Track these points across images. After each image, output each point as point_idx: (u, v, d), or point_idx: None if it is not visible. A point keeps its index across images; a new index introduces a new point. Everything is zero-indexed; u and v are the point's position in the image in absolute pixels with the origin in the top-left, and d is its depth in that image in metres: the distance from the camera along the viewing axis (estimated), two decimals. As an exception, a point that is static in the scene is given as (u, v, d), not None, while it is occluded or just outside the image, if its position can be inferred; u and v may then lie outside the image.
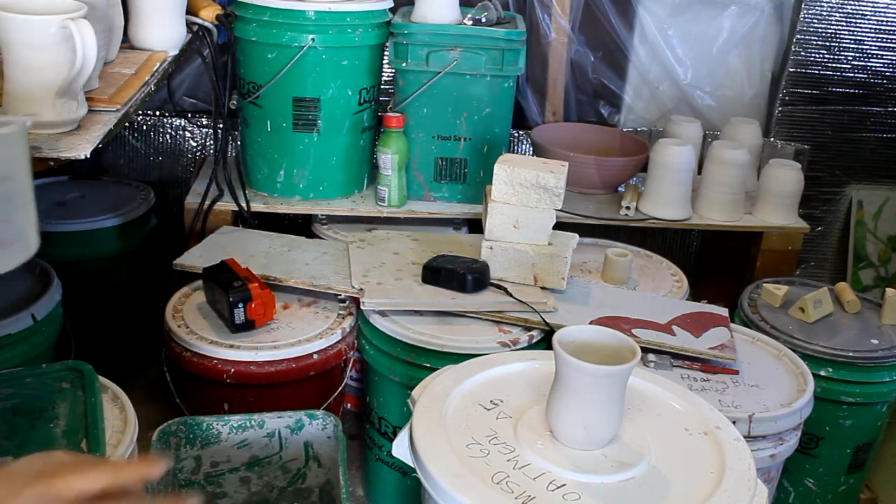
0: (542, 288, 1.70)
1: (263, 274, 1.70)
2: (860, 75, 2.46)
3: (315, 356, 1.60)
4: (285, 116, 1.99)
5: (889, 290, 1.87)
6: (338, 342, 1.64)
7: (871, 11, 2.40)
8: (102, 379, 1.37)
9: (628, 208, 2.13)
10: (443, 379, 1.19)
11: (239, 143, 2.14)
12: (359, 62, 1.99)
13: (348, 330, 1.67)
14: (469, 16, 2.06)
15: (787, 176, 2.15)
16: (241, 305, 1.56)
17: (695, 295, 1.95)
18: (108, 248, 2.03)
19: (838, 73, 2.46)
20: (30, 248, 0.88)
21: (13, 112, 1.14)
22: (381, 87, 2.15)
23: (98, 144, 1.17)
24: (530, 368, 1.25)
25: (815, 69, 2.45)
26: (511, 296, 1.65)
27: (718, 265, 2.52)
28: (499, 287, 1.68)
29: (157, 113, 2.34)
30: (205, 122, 2.34)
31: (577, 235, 1.77)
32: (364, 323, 1.68)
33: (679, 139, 2.19)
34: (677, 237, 2.56)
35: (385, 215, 2.08)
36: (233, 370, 1.55)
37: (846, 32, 2.42)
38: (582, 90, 2.45)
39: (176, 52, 1.67)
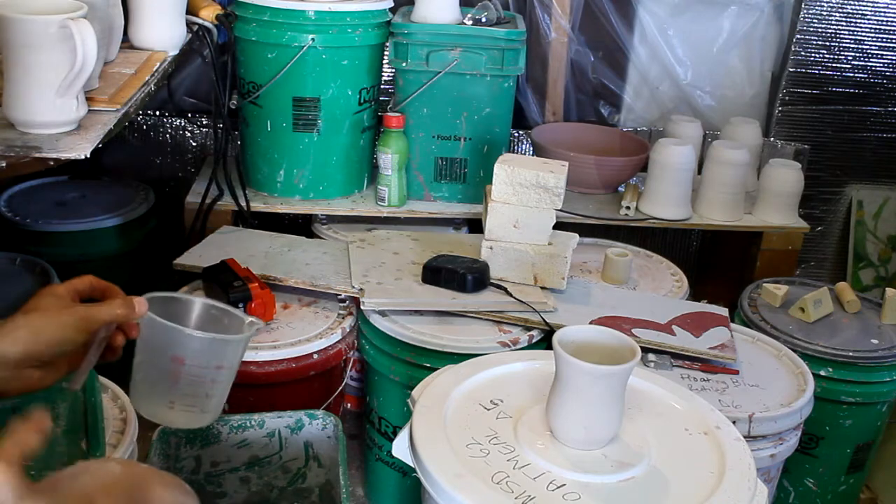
0: (542, 288, 1.70)
1: (263, 274, 1.70)
2: (860, 75, 2.46)
3: (315, 356, 1.60)
4: (285, 116, 1.99)
5: (889, 290, 1.87)
6: (338, 342, 1.64)
7: (871, 11, 2.40)
8: (102, 379, 1.37)
9: (628, 208, 2.13)
10: (443, 379, 1.19)
11: (239, 143, 2.14)
12: (359, 62, 1.99)
13: (348, 330, 1.67)
14: (469, 16, 2.06)
15: (787, 176, 2.15)
16: (240, 305, 1.56)
17: (695, 295, 1.95)
18: (108, 248, 2.03)
19: (838, 73, 2.46)
20: (214, 417, 1.01)
21: (13, 112, 1.14)
22: (381, 87, 2.15)
23: (98, 144, 1.16)
24: (530, 368, 1.25)
25: (815, 69, 2.45)
26: (511, 296, 1.65)
27: (718, 265, 2.52)
28: (499, 287, 1.68)
29: (157, 113, 2.34)
30: (205, 122, 2.34)
31: (577, 235, 1.77)
32: (364, 323, 1.68)
33: (679, 139, 2.19)
34: (677, 237, 2.56)
35: (385, 215, 2.08)
36: (233, 370, 1.54)
37: (846, 32, 2.42)
38: (582, 90, 2.45)
39: (176, 52, 1.67)
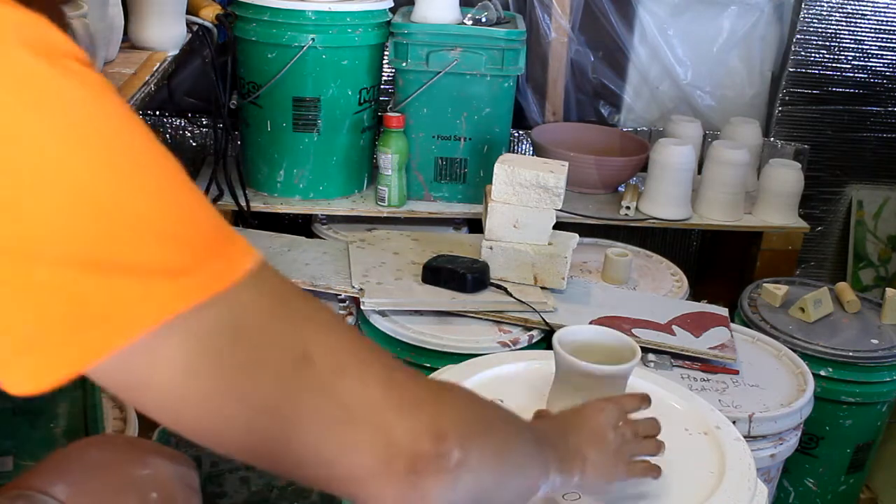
0: (542, 288, 1.70)
1: (263, 274, 1.70)
2: (860, 75, 2.46)
3: (315, 356, 1.60)
4: (285, 116, 1.99)
5: (889, 290, 1.87)
6: (338, 342, 1.64)
7: (871, 11, 2.40)
8: (102, 379, 1.37)
9: (628, 208, 2.13)
10: (443, 379, 1.19)
11: (239, 143, 2.14)
12: (359, 62, 1.99)
13: (348, 330, 1.67)
14: (469, 16, 2.06)
15: (787, 176, 2.15)
16: (241, 305, 1.55)
17: (695, 295, 1.95)
18: (108, 248, 2.03)
19: (838, 73, 2.46)
20: None
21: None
22: (381, 87, 2.15)
23: (98, 144, 1.16)
24: (530, 368, 1.25)
25: (815, 69, 2.45)
26: (511, 296, 1.65)
27: (718, 265, 2.52)
28: (499, 287, 1.68)
29: (157, 113, 2.34)
30: (205, 122, 2.34)
31: (577, 235, 1.76)
32: (364, 323, 1.68)
33: (679, 139, 2.19)
34: (677, 237, 2.56)
35: (385, 215, 2.08)
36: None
37: (846, 32, 2.42)
38: (582, 90, 2.45)
39: (176, 52, 1.67)
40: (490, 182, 1.68)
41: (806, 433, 1.67)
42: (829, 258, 2.66)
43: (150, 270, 0.48)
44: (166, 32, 1.64)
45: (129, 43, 1.62)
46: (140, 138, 0.50)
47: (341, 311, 1.72)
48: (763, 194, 2.18)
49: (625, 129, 2.47)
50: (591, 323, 1.61)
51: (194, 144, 2.37)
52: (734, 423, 1.17)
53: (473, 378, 1.20)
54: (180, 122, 2.35)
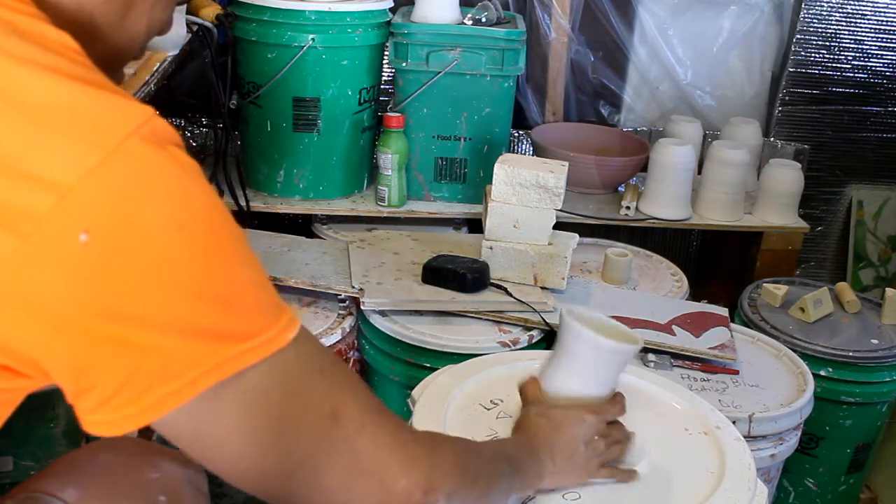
0: (542, 288, 1.70)
1: (263, 274, 1.70)
2: (860, 75, 2.46)
3: (315, 356, 1.60)
4: (285, 116, 1.99)
5: (889, 290, 1.87)
6: (338, 342, 1.64)
7: (871, 11, 2.40)
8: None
9: (628, 208, 2.13)
10: (443, 379, 1.19)
11: (239, 143, 2.14)
12: (359, 62, 1.99)
13: (348, 330, 1.67)
14: (469, 16, 2.06)
15: (787, 176, 2.15)
16: (241, 305, 1.55)
17: (695, 295, 1.95)
18: (108, 248, 2.03)
19: (838, 73, 2.46)
20: None
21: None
22: (381, 87, 2.15)
23: (98, 144, 1.16)
24: (530, 368, 1.25)
25: (815, 69, 2.45)
26: (511, 296, 1.65)
27: (718, 265, 2.52)
28: (499, 287, 1.68)
29: (157, 113, 2.33)
30: (205, 122, 2.34)
31: (577, 235, 1.76)
32: (364, 323, 1.68)
33: (679, 139, 2.19)
34: (677, 237, 2.56)
35: (385, 215, 2.08)
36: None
37: (846, 32, 2.42)
38: (582, 90, 2.45)
39: (176, 51, 1.67)
40: (490, 182, 1.68)
41: (806, 433, 1.67)
42: (829, 258, 2.66)
43: (222, 335, 0.59)
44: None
45: (129, 43, 1.61)
46: (221, 217, 0.61)
47: (341, 312, 1.72)
48: (763, 194, 2.18)
49: (625, 129, 2.47)
50: (591, 323, 1.61)
51: (194, 144, 2.37)
52: (734, 423, 1.17)
53: (473, 378, 1.20)
54: (180, 122, 2.35)
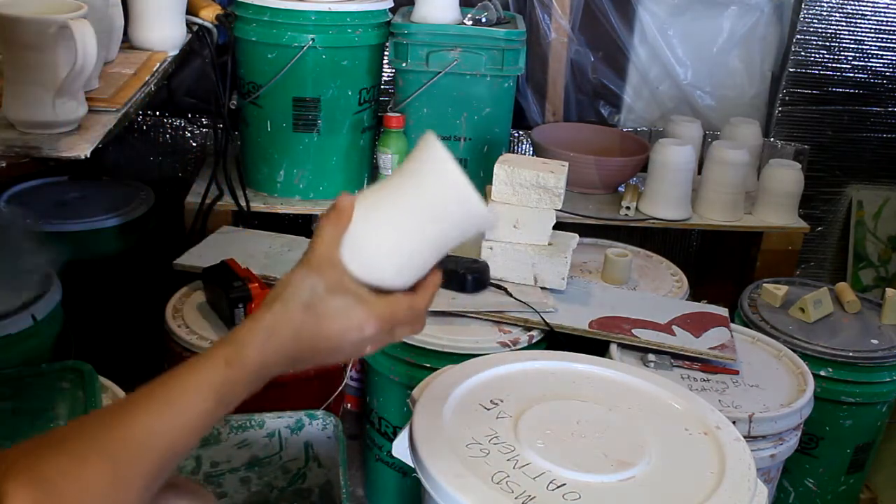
0: (542, 288, 1.70)
1: (263, 274, 1.70)
2: (860, 75, 2.46)
3: (315, 356, 1.60)
4: (285, 116, 1.99)
5: (889, 290, 1.87)
6: (338, 342, 1.64)
7: (871, 11, 2.40)
8: (102, 379, 1.37)
9: (628, 208, 2.13)
10: (443, 379, 1.19)
11: (239, 143, 2.14)
12: (359, 62, 1.99)
13: (348, 330, 1.67)
14: (469, 16, 2.06)
15: (787, 176, 2.15)
16: (241, 305, 1.56)
17: (695, 295, 1.95)
18: (108, 248, 2.03)
19: (838, 73, 2.46)
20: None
21: (13, 112, 1.14)
22: (381, 87, 2.15)
23: (98, 144, 1.16)
24: (530, 368, 1.25)
25: (815, 69, 2.45)
26: (511, 296, 1.65)
27: (718, 265, 2.52)
28: (499, 287, 1.68)
29: (157, 113, 2.34)
30: (205, 122, 2.34)
31: (577, 235, 1.76)
32: (364, 323, 1.68)
33: (679, 139, 2.19)
34: (677, 237, 2.56)
35: (385, 215, 2.08)
36: (233, 370, 1.54)
37: (846, 32, 2.42)
38: (582, 90, 2.45)
39: (176, 52, 1.67)
40: (490, 182, 1.68)
41: (806, 433, 1.67)
42: (829, 258, 2.66)
43: None
44: (166, 33, 1.64)
45: (128, 43, 1.62)
46: None
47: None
48: (763, 194, 2.18)
49: (625, 129, 2.47)
50: (590, 323, 1.62)
51: (194, 144, 2.37)
52: (734, 423, 1.17)
53: (473, 378, 1.20)
54: (180, 123, 2.35)
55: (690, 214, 2.16)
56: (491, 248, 1.70)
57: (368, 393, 1.77)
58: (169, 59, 1.61)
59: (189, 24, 1.79)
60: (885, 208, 2.59)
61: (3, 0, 1.12)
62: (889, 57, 2.45)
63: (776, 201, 2.16)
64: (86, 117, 1.21)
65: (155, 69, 1.51)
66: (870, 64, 2.45)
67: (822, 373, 1.69)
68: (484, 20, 2.05)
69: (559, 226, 1.73)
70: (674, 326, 1.65)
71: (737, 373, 1.57)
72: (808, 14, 2.39)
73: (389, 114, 2.01)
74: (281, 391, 1.58)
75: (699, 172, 2.24)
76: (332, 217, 0.82)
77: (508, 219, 1.68)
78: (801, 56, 2.43)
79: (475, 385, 1.20)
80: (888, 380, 1.73)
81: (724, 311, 1.73)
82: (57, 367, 1.36)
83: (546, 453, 1.06)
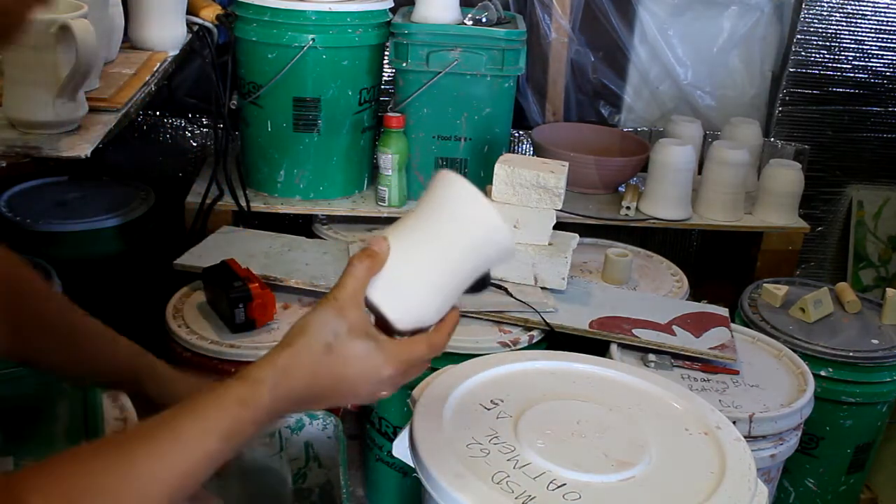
0: (543, 288, 1.70)
1: (264, 274, 1.70)
2: (860, 75, 2.46)
3: (315, 356, 1.60)
4: (285, 116, 1.99)
5: (889, 290, 1.87)
6: (338, 342, 1.64)
7: (871, 11, 2.40)
8: (102, 379, 1.37)
9: (628, 208, 2.13)
10: (443, 379, 1.19)
11: (239, 143, 2.14)
12: (359, 62, 1.99)
13: (348, 330, 1.67)
14: (469, 16, 2.06)
15: (787, 176, 2.15)
16: (241, 305, 1.56)
17: (695, 295, 1.95)
18: (108, 248, 2.03)
19: (838, 73, 2.46)
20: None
21: (13, 112, 1.14)
22: (382, 87, 2.15)
23: (98, 144, 1.17)
24: (530, 368, 1.25)
25: (815, 69, 2.45)
26: (511, 296, 1.65)
27: (718, 265, 2.52)
28: (499, 287, 1.68)
29: (157, 113, 2.34)
30: (205, 122, 2.34)
31: (577, 235, 1.77)
32: (364, 323, 1.68)
33: (679, 139, 2.19)
34: (677, 237, 2.56)
35: (385, 215, 2.08)
36: (233, 370, 1.54)
37: (846, 32, 2.42)
38: (582, 90, 2.45)
39: (176, 52, 1.67)
40: (490, 182, 1.68)
41: (806, 433, 1.67)
42: (830, 258, 2.66)
43: None
44: (166, 32, 1.64)
45: (129, 43, 1.62)
46: None
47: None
48: (763, 194, 2.18)
49: (625, 129, 2.47)
50: (590, 323, 1.62)
51: (194, 144, 2.37)
52: (734, 423, 1.17)
53: (473, 378, 1.20)
54: (180, 122, 2.35)
55: (690, 214, 2.16)
56: (491, 248, 1.70)
57: (368, 393, 1.77)
58: (169, 59, 1.62)
59: (189, 24, 1.79)
60: (886, 208, 2.59)
61: (4, 0, 1.12)
62: (889, 57, 2.45)
63: (776, 201, 2.16)
64: (86, 117, 1.22)
65: (155, 69, 1.51)
66: (870, 64, 2.45)
67: (823, 373, 1.69)
68: (484, 20, 2.05)
69: (559, 226, 1.73)
70: (674, 326, 1.65)
71: (737, 373, 1.57)
72: (809, 14, 2.39)
73: (390, 114, 2.01)
74: (281, 391, 1.58)
75: (699, 172, 2.24)
76: (366, 260, 0.83)
77: (509, 219, 1.68)
78: (802, 56, 2.43)
79: (475, 385, 1.20)
80: (888, 380, 1.73)
81: (724, 311, 1.73)
82: (57, 367, 1.36)
83: (546, 453, 1.06)
